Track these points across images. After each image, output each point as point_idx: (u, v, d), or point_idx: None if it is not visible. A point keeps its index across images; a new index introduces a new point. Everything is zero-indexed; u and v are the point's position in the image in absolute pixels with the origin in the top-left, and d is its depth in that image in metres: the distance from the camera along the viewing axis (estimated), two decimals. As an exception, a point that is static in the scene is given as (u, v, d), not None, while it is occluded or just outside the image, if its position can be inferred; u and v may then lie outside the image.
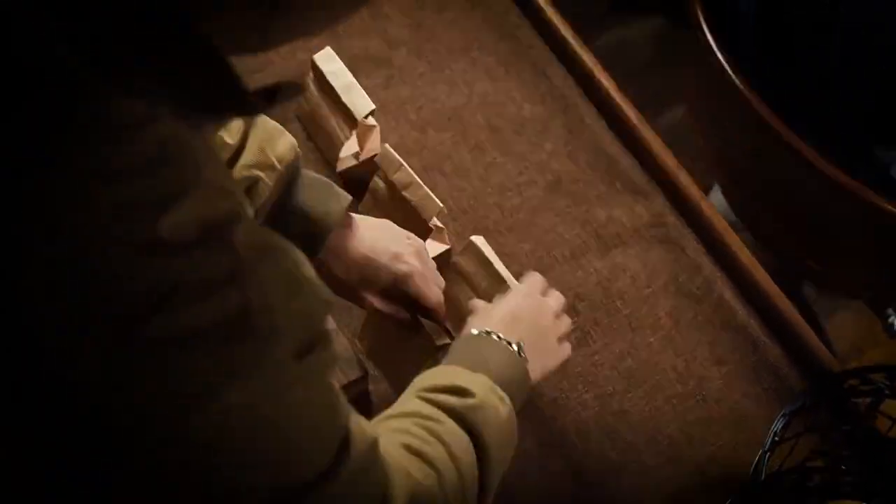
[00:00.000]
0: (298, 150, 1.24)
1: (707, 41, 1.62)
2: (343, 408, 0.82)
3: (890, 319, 1.97)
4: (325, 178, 1.27)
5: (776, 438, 1.12)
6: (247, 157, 1.20)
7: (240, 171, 1.19)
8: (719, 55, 1.60)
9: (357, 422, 0.83)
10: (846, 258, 1.71)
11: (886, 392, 1.24)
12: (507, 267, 1.41)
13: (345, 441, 0.79)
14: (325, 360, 0.77)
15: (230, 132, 1.19)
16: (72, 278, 0.63)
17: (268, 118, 1.24)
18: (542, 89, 1.65)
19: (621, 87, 1.65)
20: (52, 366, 0.64)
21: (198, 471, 0.70)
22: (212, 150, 0.71)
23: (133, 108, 0.64)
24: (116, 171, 0.63)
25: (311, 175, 1.26)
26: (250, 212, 0.76)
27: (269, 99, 0.73)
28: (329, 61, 1.51)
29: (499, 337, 1.14)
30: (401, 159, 1.35)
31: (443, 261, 1.46)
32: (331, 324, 1.37)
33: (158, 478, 0.69)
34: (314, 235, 1.23)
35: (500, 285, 1.38)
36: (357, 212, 1.50)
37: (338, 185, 1.41)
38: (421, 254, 1.33)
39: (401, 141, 1.58)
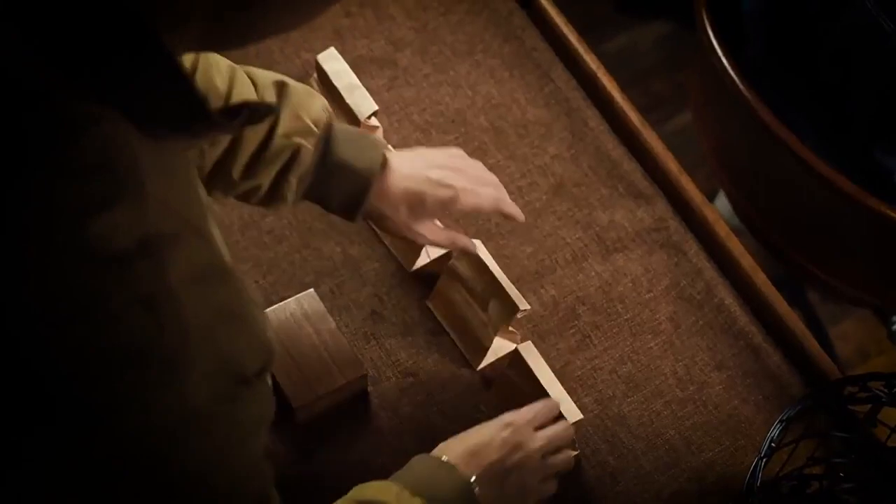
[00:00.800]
0: (329, 108, 1.26)
1: (711, 45, 1.62)
2: (263, 476, 0.83)
3: (894, 327, 1.97)
4: (355, 128, 1.30)
5: (773, 444, 1.12)
6: (284, 125, 1.21)
7: (280, 140, 1.21)
8: (724, 59, 1.60)
9: None
10: (850, 265, 1.71)
11: (884, 400, 1.24)
12: (507, 270, 1.42)
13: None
14: (249, 417, 0.78)
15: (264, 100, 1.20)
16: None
17: (296, 82, 1.25)
18: (545, 92, 1.65)
19: (626, 91, 1.65)
20: None
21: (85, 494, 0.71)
22: (170, 168, 0.71)
23: (78, 110, 0.64)
24: (54, 171, 0.63)
25: (343, 128, 1.28)
26: (216, 234, 0.77)
27: (233, 118, 0.72)
28: (333, 61, 1.51)
29: (452, 470, 1.17)
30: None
31: (443, 262, 1.46)
32: (330, 324, 1.38)
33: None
34: (361, 187, 1.26)
35: (495, 288, 1.38)
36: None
37: None
38: (459, 169, 1.32)
39: (404, 142, 1.58)
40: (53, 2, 0.61)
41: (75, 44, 0.62)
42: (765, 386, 1.46)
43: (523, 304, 1.36)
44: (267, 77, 1.24)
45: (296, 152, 1.22)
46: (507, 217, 1.38)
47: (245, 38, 0.73)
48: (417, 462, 1.20)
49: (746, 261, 1.52)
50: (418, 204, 1.29)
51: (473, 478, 1.17)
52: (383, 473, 1.34)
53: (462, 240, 1.37)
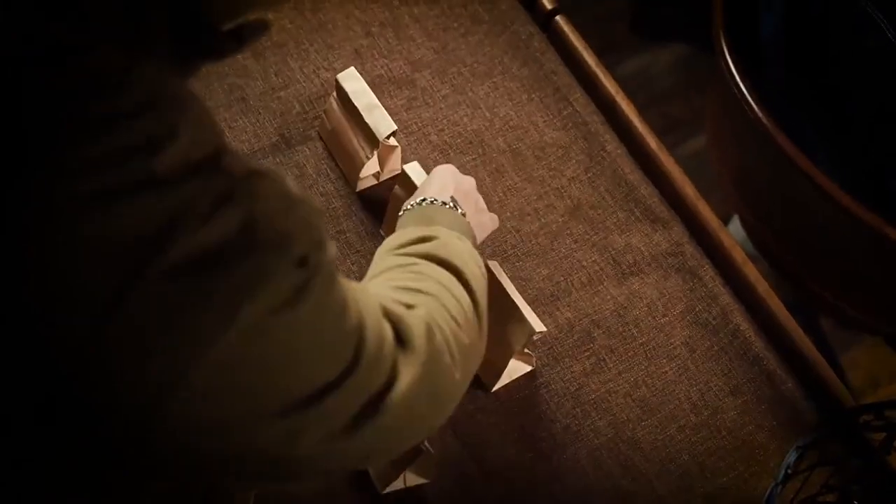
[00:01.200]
0: None
1: (730, 70, 1.62)
2: (353, 306, 0.82)
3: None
4: None
5: (789, 471, 1.12)
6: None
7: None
8: (742, 84, 1.61)
9: (364, 303, 0.84)
10: (865, 292, 1.71)
11: (901, 428, 1.24)
12: (522, 292, 1.42)
13: (359, 343, 0.81)
14: (329, 264, 0.78)
15: None
16: (73, 223, 0.64)
17: None
18: (564, 115, 1.66)
19: (640, 114, 1.66)
20: (64, 308, 0.65)
21: (217, 393, 0.70)
22: (190, 91, 0.73)
23: (115, 57, 0.66)
24: (106, 118, 0.65)
25: None
26: None
27: (239, 40, 0.76)
28: (352, 81, 1.52)
29: (434, 200, 1.22)
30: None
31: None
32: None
33: (184, 402, 0.70)
34: None
35: (511, 310, 1.38)
36: (380, 225, 1.51)
37: (357, 204, 1.41)
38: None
39: (422, 162, 1.57)
40: None
41: None
42: (779, 412, 1.46)
43: (539, 327, 1.36)
44: None
45: None
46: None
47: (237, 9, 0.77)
48: (408, 214, 1.23)
49: (762, 286, 1.52)
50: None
51: (461, 211, 1.23)
52: (396, 494, 1.35)
53: None
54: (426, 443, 1.29)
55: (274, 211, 0.72)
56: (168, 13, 0.70)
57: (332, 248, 0.80)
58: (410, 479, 1.36)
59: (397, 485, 1.35)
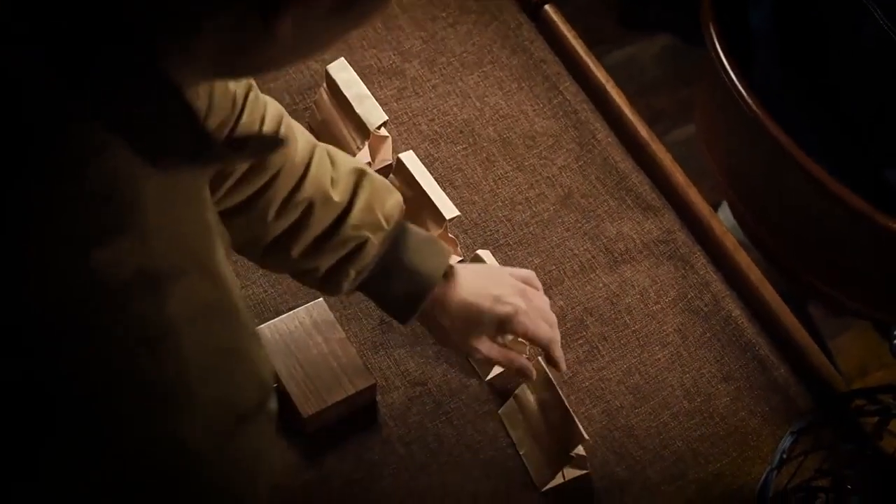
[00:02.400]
0: (403, 205, 1.24)
1: (721, 61, 1.63)
2: None
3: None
4: (428, 233, 1.27)
5: (784, 456, 1.12)
6: (355, 216, 1.19)
7: (348, 231, 1.19)
8: (733, 76, 1.61)
9: None
10: (854, 278, 1.71)
11: (894, 412, 1.24)
12: (516, 280, 1.42)
13: None
14: (248, 454, 0.78)
15: (337, 189, 1.19)
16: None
17: (375, 174, 1.24)
18: (553, 104, 1.66)
19: (631, 104, 1.66)
20: None
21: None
22: (178, 202, 0.71)
23: (85, 138, 0.64)
24: (59, 198, 0.63)
25: (415, 231, 1.25)
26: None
27: (238, 149, 0.73)
28: (342, 72, 1.52)
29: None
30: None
31: None
32: (339, 333, 1.38)
33: None
34: (420, 292, 1.24)
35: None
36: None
37: None
38: (525, 293, 1.30)
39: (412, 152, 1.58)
40: (61, 22, 0.61)
41: (79, 65, 0.62)
42: (771, 398, 1.46)
43: (533, 315, 1.36)
44: (347, 164, 1.22)
45: (361, 245, 1.20)
46: (550, 364, 1.35)
47: (257, 70, 0.75)
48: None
49: (754, 273, 1.53)
50: (475, 318, 1.27)
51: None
52: (392, 482, 1.35)
53: (520, 360, 1.34)
54: (584, 433, 1.29)
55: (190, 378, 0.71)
56: (156, 105, 0.66)
57: None
58: (569, 473, 1.37)
59: (556, 481, 1.36)
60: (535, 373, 1.34)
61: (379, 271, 1.22)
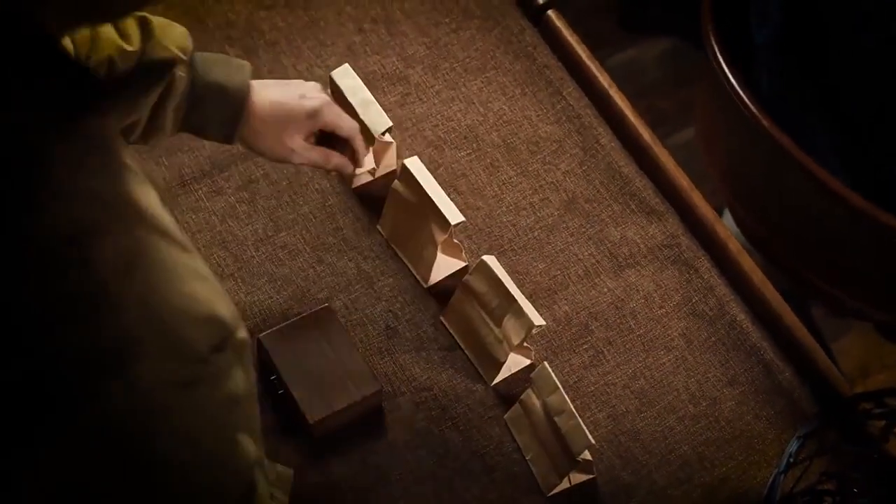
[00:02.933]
0: (188, 33, 1.31)
1: (720, 64, 1.63)
2: (245, 458, 0.82)
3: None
4: (218, 54, 1.33)
5: (791, 460, 1.12)
6: (155, 54, 1.24)
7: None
8: (732, 78, 1.61)
9: None
10: (855, 277, 1.71)
11: (900, 416, 1.24)
12: (520, 286, 1.42)
13: None
14: (216, 398, 0.77)
15: (129, 40, 1.22)
16: None
17: (153, 16, 1.29)
18: (557, 109, 1.66)
19: (633, 107, 1.66)
20: None
21: None
22: (91, 156, 0.72)
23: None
24: None
25: (206, 54, 1.31)
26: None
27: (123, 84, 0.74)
28: (347, 78, 1.52)
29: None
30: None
31: (459, 278, 1.47)
32: (346, 339, 1.38)
33: None
34: (237, 107, 1.31)
35: (510, 305, 1.39)
36: (379, 220, 1.51)
37: (353, 200, 1.43)
38: (317, 86, 1.40)
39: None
40: None
41: None
42: (777, 401, 1.47)
43: (538, 320, 1.37)
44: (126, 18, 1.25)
45: (170, 82, 1.25)
46: (353, 155, 1.43)
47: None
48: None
49: (758, 277, 1.53)
50: (285, 116, 1.34)
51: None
52: (398, 487, 1.35)
53: (335, 158, 1.40)
54: (590, 437, 1.30)
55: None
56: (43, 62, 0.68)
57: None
58: (575, 477, 1.38)
59: (563, 486, 1.37)
60: (352, 167, 1.43)
61: (193, 100, 1.28)
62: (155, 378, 0.71)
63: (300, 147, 1.37)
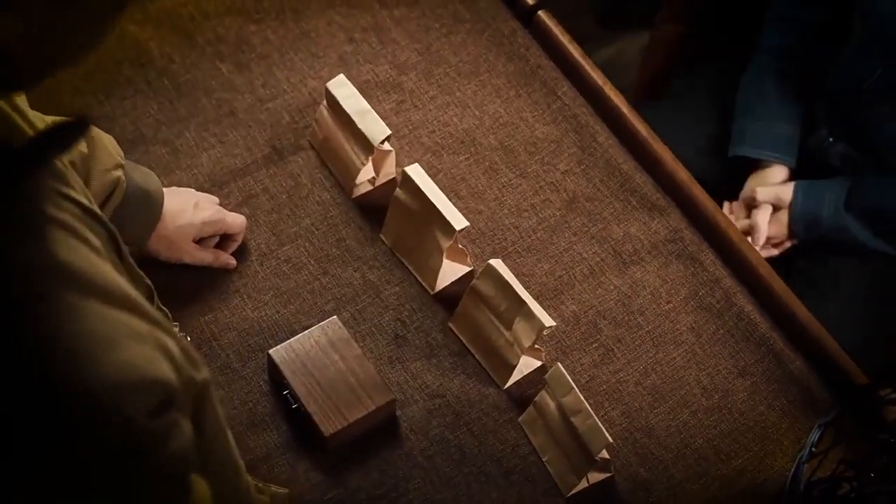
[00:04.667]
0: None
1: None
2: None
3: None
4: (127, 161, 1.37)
5: (813, 449, 1.12)
6: (103, 161, 1.28)
7: (100, 175, 1.28)
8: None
9: None
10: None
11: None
12: (526, 288, 1.42)
13: None
14: None
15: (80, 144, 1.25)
16: None
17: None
18: (553, 109, 1.66)
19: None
20: None
21: None
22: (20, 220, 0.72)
23: None
24: None
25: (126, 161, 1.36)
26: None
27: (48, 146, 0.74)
28: (342, 88, 1.52)
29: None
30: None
31: (465, 284, 1.46)
32: (356, 350, 1.38)
33: None
34: (155, 211, 1.39)
35: (520, 307, 1.38)
36: (381, 229, 1.51)
37: (354, 211, 1.43)
38: (210, 200, 1.49)
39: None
40: None
41: None
42: (789, 390, 1.47)
43: (549, 321, 1.36)
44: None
45: (116, 185, 1.30)
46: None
47: (35, 74, 0.73)
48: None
49: (763, 267, 1.53)
50: (186, 221, 1.44)
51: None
52: (417, 495, 1.35)
53: (223, 256, 1.49)
54: (608, 436, 1.30)
55: None
56: None
57: None
58: (593, 477, 1.38)
59: (581, 486, 1.38)
60: (234, 261, 1.50)
61: (122, 203, 1.32)
62: (85, 454, 0.70)
63: (192, 248, 1.47)
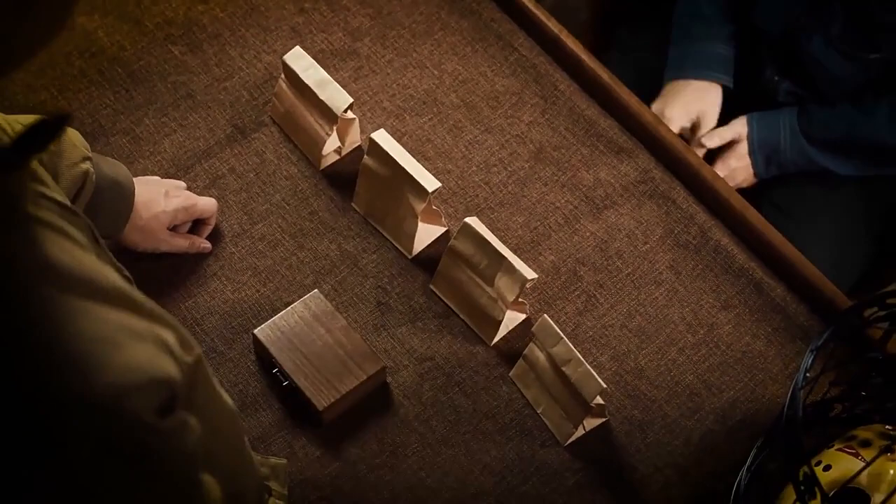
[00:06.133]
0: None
1: None
2: None
3: None
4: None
5: (808, 374, 1.13)
6: (69, 155, 1.26)
7: (69, 169, 1.26)
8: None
9: None
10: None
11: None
12: (503, 242, 1.42)
13: None
14: None
15: None
16: None
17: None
18: (511, 61, 1.65)
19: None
20: None
21: None
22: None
23: None
24: None
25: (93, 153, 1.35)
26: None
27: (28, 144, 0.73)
28: (300, 60, 1.50)
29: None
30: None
31: (441, 243, 1.46)
32: (340, 321, 1.38)
33: None
34: (127, 201, 1.38)
35: (500, 262, 1.38)
36: (353, 198, 1.50)
37: (323, 182, 1.43)
38: (179, 186, 1.50)
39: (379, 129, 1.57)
40: None
41: None
42: (772, 318, 1.48)
43: (531, 274, 1.36)
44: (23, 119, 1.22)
45: (86, 178, 1.28)
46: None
47: None
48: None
49: (735, 198, 1.54)
50: (158, 208, 1.43)
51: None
52: (417, 460, 1.35)
53: (198, 241, 1.49)
54: (601, 381, 1.31)
55: None
56: None
57: None
58: (589, 423, 1.39)
59: (578, 433, 1.38)
60: (209, 244, 1.50)
61: (94, 195, 1.31)
62: (96, 460, 0.70)
63: (168, 236, 1.46)
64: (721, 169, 1.84)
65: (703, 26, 1.88)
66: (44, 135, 0.71)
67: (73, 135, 1.30)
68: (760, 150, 1.83)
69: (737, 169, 1.85)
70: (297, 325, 1.39)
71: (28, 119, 1.16)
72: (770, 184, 1.89)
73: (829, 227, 1.84)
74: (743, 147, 1.85)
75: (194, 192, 1.51)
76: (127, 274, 1.06)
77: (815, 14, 1.71)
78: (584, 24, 2.80)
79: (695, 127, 1.88)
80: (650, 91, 1.90)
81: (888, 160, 1.80)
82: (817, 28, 1.72)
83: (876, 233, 1.87)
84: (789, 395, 1.13)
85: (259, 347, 1.39)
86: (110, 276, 0.75)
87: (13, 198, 0.72)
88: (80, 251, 0.74)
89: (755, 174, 1.86)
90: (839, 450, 1.27)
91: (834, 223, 1.85)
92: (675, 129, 1.82)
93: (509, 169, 1.57)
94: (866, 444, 1.27)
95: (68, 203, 0.84)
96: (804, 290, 1.49)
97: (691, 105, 1.86)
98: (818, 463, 1.26)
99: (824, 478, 1.22)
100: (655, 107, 1.87)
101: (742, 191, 1.82)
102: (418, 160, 1.45)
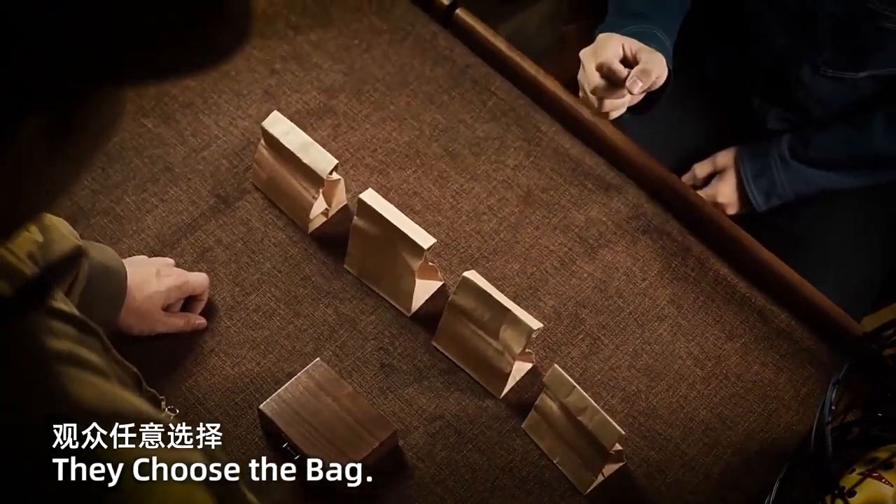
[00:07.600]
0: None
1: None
2: None
3: None
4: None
5: (833, 408, 1.12)
6: (59, 247, 1.22)
7: (61, 263, 1.20)
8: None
9: None
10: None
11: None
12: (500, 290, 1.40)
13: None
14: None
15: (34, 232, 1.19)
16: None
17: None
18: (489, 106, 1.64)
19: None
20: None
21: None
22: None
23: None
24: None
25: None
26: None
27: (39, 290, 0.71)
28: (279, 124, 1.48)
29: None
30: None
31: (438, 298, 1.44)
32: (346, 388, 1.35)
33: None
34: (120, 285, 1.36)
35: (504, 315, 1.37)
36: (345, 260, 1.48)
37: (313, 246, 1.43)
38: (170, 265, 1.47)
39: (363, 187, 1.54)
40: None
41: None
42: (779, 345, 1.47)
43: (536, 324, 1.35)
44: None
45: (79, 268, 1.27)
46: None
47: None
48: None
49: (728, 225, 1.53)
50: (151, 290, 1.40)
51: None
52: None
53: (194, 319, 1.46)
54: (619, 427, 1.29)
55: None
56: None
57: None
58: (608, 469, 1.37)
59: (597, 481, 1.36)
60: (205, 322, 1.46)
61: (86, 283, 1.29)
62: None
63: (163, 317, 1.43)
64: (713, 197, 1.83)
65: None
66: (60, 272, 0.69)
67: (60, 224, 1.26)
68: (758, 187, 1.81)
69: (730, 204, 1.84)
70: (302, 395, 1.36)
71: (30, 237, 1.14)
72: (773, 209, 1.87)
73: (832, 241, 1.83)
74: (731, 175, 1.83)
75: (183, 268, 1.48)
76: (135, 370, 1.03)
77: (802, 44, 1.71)
78: (544, 51, 2.82)
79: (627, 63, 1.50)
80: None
81: (888, 169, 1.80)
82: (805, 57, 1.71)
83: (877, 242, 1.86)
84: (814, 430, 1.12)
85: (266, 422, 1.36)
86: (134, 401, 0.73)
87: (32, 337, 0.69)
88: (101, 381, 0.72)
89: (756, 209, 1.84)
90: (861, 474, 1.26)
91: (836, 236, 1.84)
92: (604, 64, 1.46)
93: (499, 215, 1.55)
94: (888, 466, 1.26)
95: (76, 313, 0.81)
96: (808, 313, 1.48)
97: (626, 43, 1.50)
98: (842, 488, 1.25)
99: (853, 505, 1.21)
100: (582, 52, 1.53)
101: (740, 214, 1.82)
102: (407, 214, 1.43)
